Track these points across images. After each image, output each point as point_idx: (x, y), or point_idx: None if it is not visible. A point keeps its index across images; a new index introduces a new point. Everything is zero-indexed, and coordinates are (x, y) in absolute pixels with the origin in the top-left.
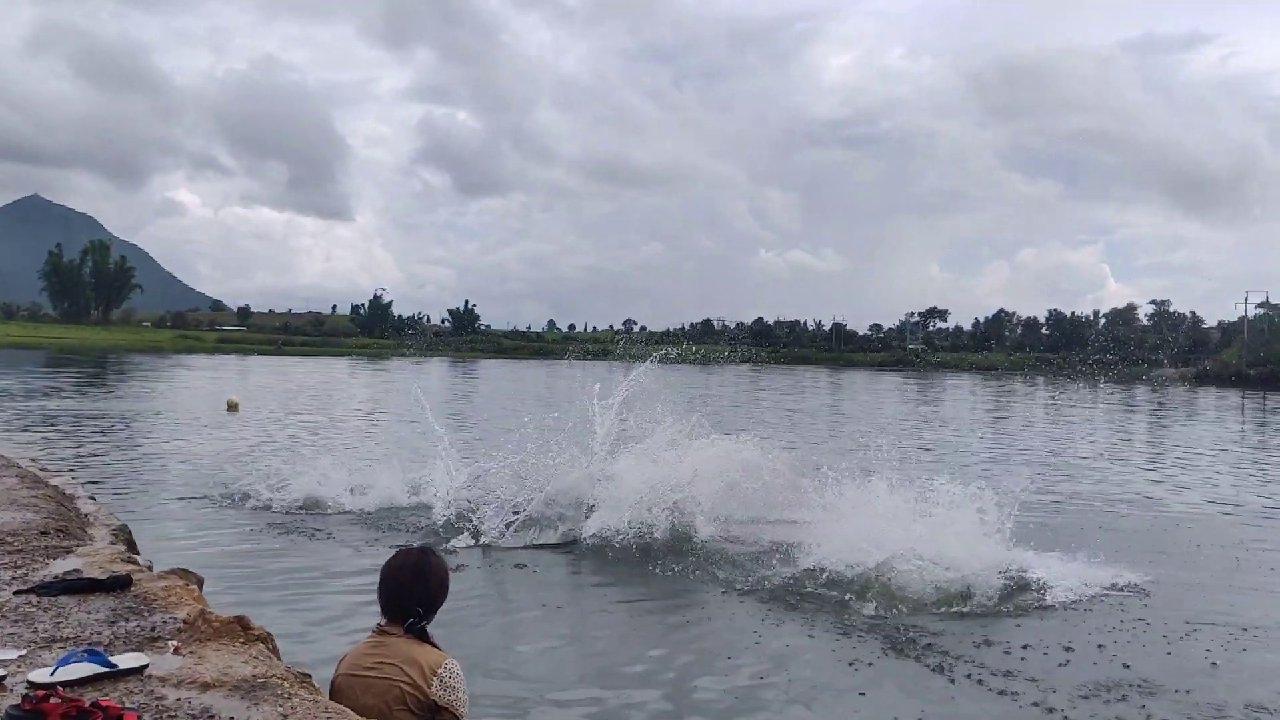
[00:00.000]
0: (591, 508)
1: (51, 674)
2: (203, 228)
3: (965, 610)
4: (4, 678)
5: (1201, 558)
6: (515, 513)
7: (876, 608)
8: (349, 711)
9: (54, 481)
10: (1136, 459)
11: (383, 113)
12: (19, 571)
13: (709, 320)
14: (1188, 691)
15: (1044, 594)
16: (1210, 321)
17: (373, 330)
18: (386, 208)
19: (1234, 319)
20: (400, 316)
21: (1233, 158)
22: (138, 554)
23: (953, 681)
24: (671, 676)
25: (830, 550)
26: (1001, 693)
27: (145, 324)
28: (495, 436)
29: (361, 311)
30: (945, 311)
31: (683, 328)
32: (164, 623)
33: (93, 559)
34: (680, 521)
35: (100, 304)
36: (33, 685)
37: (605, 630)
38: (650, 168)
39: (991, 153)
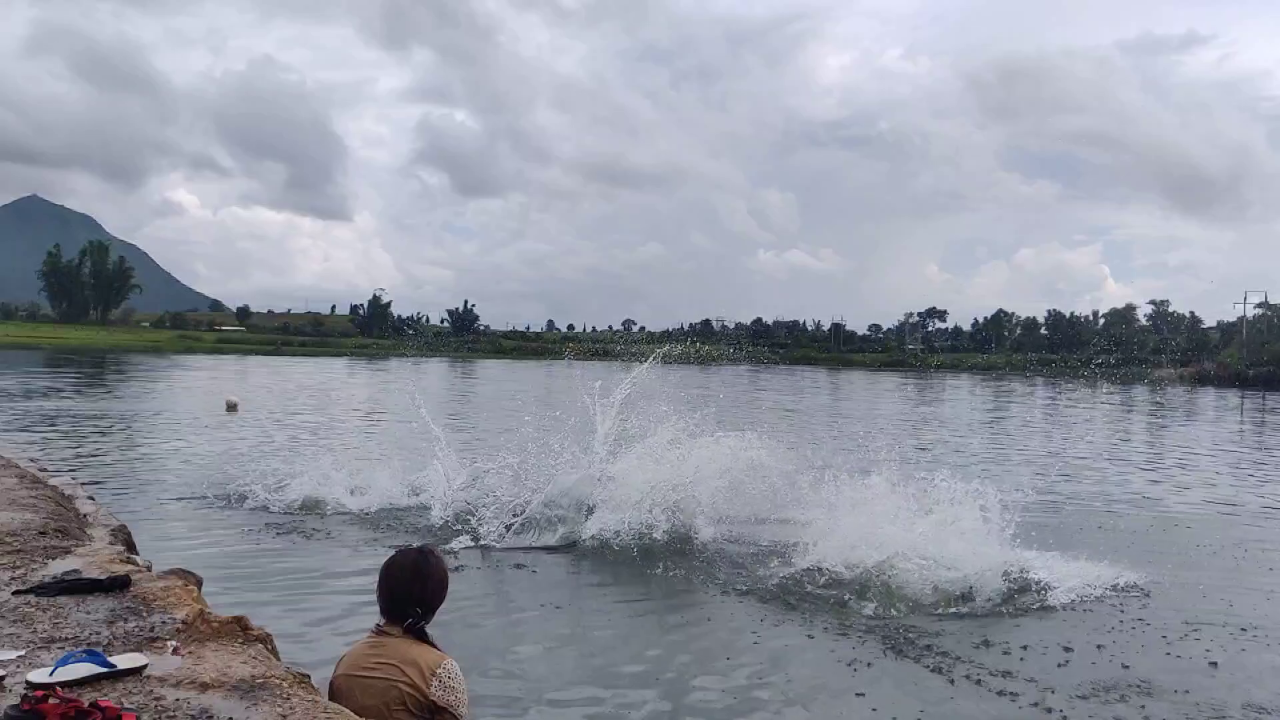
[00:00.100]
0: (592, 509)
1: (50, 674)
2: (201, 228)
3: (964, 610)
4: (3, 678)
5: (1201, 558)
6: (515, 515)
7: (875, 608)
8: (348, 712)
9: (53, 482)
10: (1136, 459)
11: (381, 113)
12: (18, 572)
13: (708, 320)
14: (1186, 692)
15: (1043, 594)
16: (1209, 322)
17: (372, 331)
18: (385, 208)
19: (1233, 319)
20: (399, 317)
21: (1230, 158)
22: (136, 554)
23: (952, 682)
24: (670, 676)
25: (830, 550)
26: (1000, 693)
27: (144, 324)
28: (495, 436)
29: (360, 312)
30: (944, 312)
31: (682, 328)
32: (163, 623)
33: (92, 559)
34: (680, 522)
35: (99, 304)
36: (31, 685)
37: (604, 630)
38: (648, 168)
39: (989, 153)
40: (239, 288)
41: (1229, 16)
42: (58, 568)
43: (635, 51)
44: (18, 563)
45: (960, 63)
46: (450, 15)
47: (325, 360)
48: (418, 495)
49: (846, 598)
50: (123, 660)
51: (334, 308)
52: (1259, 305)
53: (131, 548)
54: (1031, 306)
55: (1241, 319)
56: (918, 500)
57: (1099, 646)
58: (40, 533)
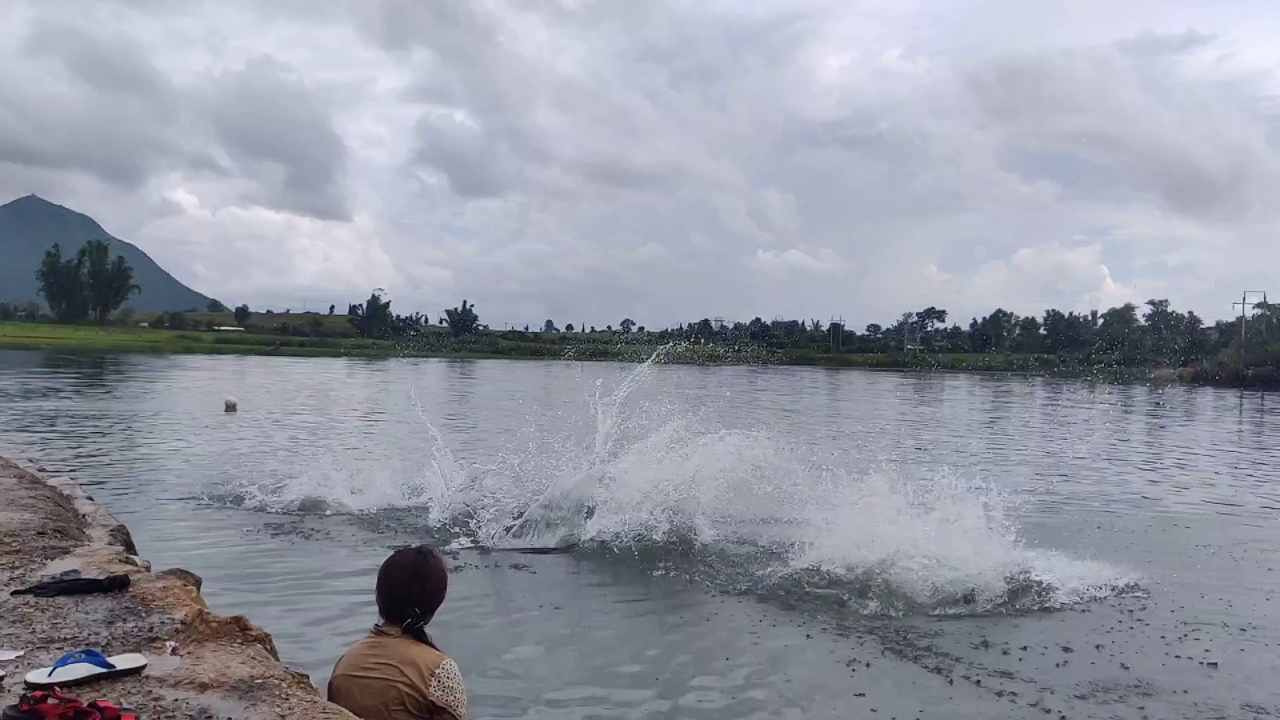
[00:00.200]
0: (592, 510)
1: (49, 675)
2: (200, 228)
3: (963, 610)
4: (2, 678)
5: (1200, 558)
6: (515, 518)
7: (875, 608)
8: (346, 712)
9: (52, 482)
10: (1135, 459)
11: (380, 113)
12: (17, 572)
13: (707, 320)
14: (1185, 692)
15: (1042, 594)
16: (1208, 322)
17: (371, 331)
18: (384, 208)
19: (1232, 319)
20: (398, 317)
21: (1230, 158)
22: (135, 554)
23: (951, 682)
24: (669, 677)
25: (829, 550)
26: (1000, 693)
27: (143, 324)
28: (494, 437)
29: (359, 312)
30: (943, 312)
31: (681, 328)
32: (162, 623)
33: (90, 559)
34: (681, 522)
35: (98, 304)
36: (30, 686)
37: (604, 630)
38: (648, 168)
39: (989, 153)
40: (238, 288)
41: (1229, 17)
42: (56, 568)
43: (635, 51)
44: (16, 563)
45: (960, 63)
46: (450, 15)
47: (324, 360)
48: (417, 496)
49: (846, 598)
50: (121, 660)
51: (333, 308)
52: (1258, 305)
53: (130, 548)
54: (1030, 307)
55: (1240, 319)
56: (918, 500)
57: (1098, 647)
58: (39, 533)
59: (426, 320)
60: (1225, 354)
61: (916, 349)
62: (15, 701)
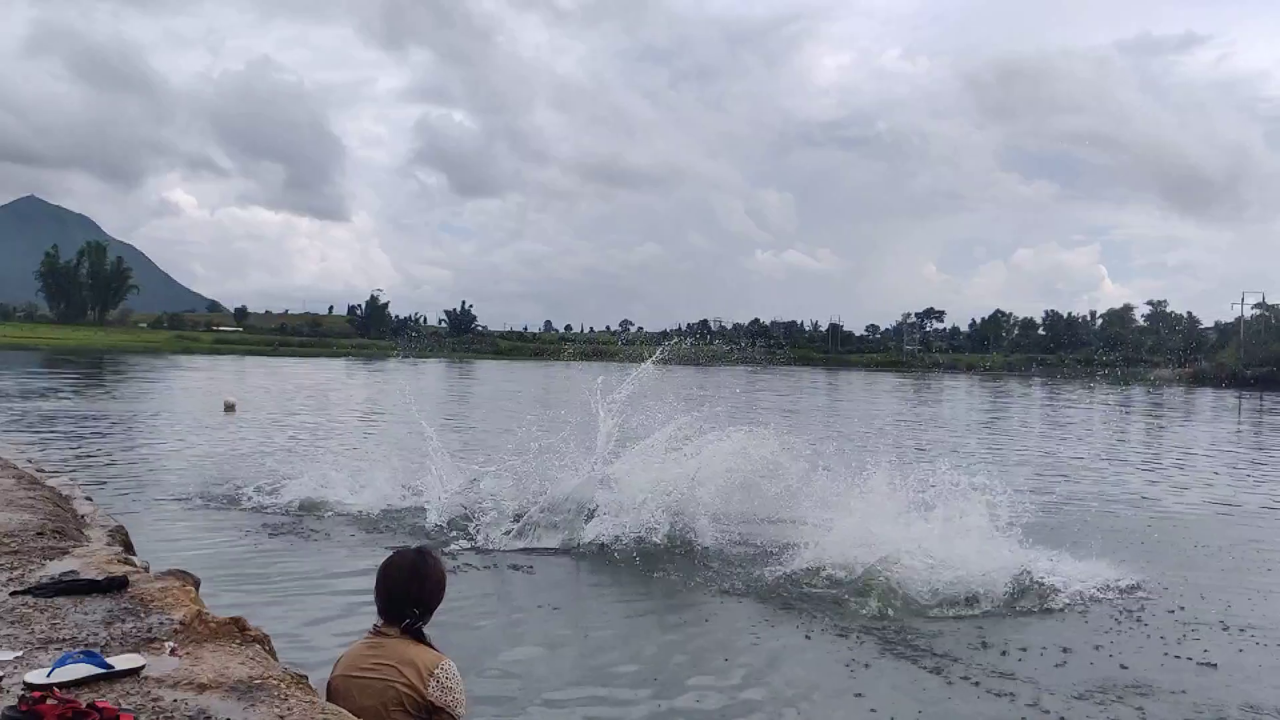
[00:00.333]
0: (593, 512)
1: (48, 675)
2: (199, 228)
3: (962, 611)
4: (1, 679)
5: (1199, 558)
6: (514, 520)
7: (874, 608)
8: (345, 713)
9: (51, 482)
10: (1134, 459)
11: (379, 113)
12: (15, 573)
13: (705, 321)
14: (1184, 692)
15: (1041, 595)
16: (1207, 322)
17: (369, 331)
18: (383, 208)
19: (1230, 320)
20: (397, 317)
21: (1228, 158)
22: (134, 555)
23: (949, 683)
24: (668, 677)
25: (828, 550)
26: (998, 694)
27: (142, 325)
28: (494, 437)
29: (358, 312)
30: (942, 312)
31: (679, 328)
32: (160, 624)
33: (89, 560)
34: (682, 523)
35: (96, 305)
36: (29, 686)
37: (603, 631)
38: (646, 168)
39: (988, 153)
40: (237, 288)
41: (1227, 17)
42: (55, 568)
43: (633, 52)
44: (15, 563)
45: (959, 63)
46: (449, 15)
47: (323, 361)
48: (416, 497)
49: (845, 598)
50: (120, 661)
51: (331, 308)
52: (1256, 306)
53: (129, 548)
54: (1029, 307)
55: (1239, 319)
56: (917, 500)
57: (1097, 647)
58: (38, 533)
59: (425, 320)
60: (1224, 354)
61: (915, 349)
62: (14, 702)
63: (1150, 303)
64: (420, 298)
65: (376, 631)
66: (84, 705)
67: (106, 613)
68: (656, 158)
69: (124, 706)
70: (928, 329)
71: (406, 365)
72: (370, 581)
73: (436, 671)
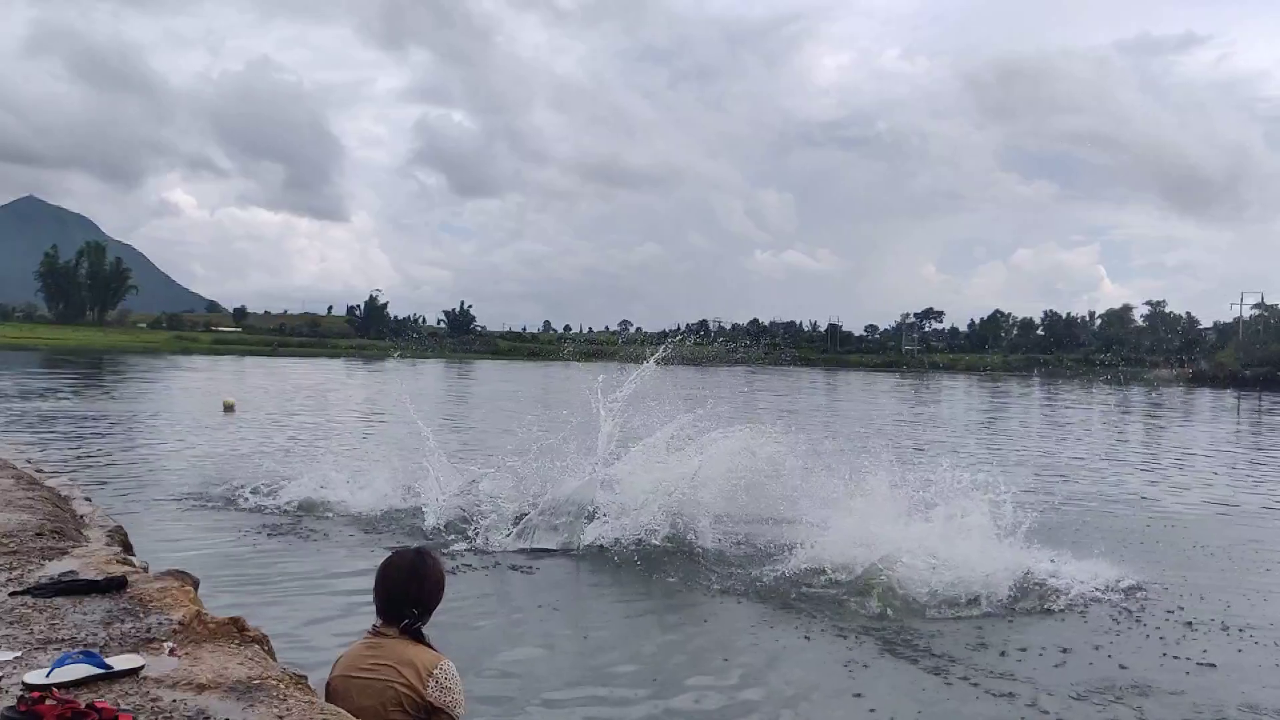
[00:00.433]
0: (593, 513)
1: (47, 675)
2: (198, 229)
3: (962, 611)
4: (0, 679)
5: (1198, 558)
6: (515, 521)
7: (874, 609)
8: (344, 713)
9: (50, 483)
10: (1133, 459)
11: (378, 114)
12: (15, 573)
13: (704, 321)
14: (1183, 692)
15: (1041, 595)
16: (1206, 322)
17: (369, 331)
18: (382, 209)
19: (1229, 320)
20: (396, 318)
21: (1227, 158)
22: (133, 555)
23: (949, 683)
24: (667, 677)
25: (828, 550)
26: (998, 694)
27: (141, 325)
28: (494, 438)
29: (357, 313)
30: (941, 312)
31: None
32: (159, 624)
33: (88, 560)
34: (682, 523)
35: (96, 305)
36: (28, 687)
37: (602, 631)
38: (645, 168)
39: (988, 153)
40: (236, 288)
41: (1227, 17)
42: (54, 569)
43: (633, 52)
44: (14, 564)
45: (959, 63)
46: (448, 16)
47: (322, 361)
48: (415, 497)
49: (845, 598)
50: (119, 661)
51: (331, 309)
52: (1255, 306)
53: (128, 549)
54: (1028, 307)
55: (1238, 319)
56: (918, 499)
57: (1096, 647)
58: (37, 534)
59: (424, 321)
60: (1223, 354)
61: (914, 349)
62: (13, 702)
63: (1149, 303)
64: (419, 298)
65: (375, 632)
66: (83, 705)
67: (105, 613)
68: (656, 158)
69: (123, 707)
70: (927, 329)
71: (405, 365)
72: (369, 582)
73: (435, 672)
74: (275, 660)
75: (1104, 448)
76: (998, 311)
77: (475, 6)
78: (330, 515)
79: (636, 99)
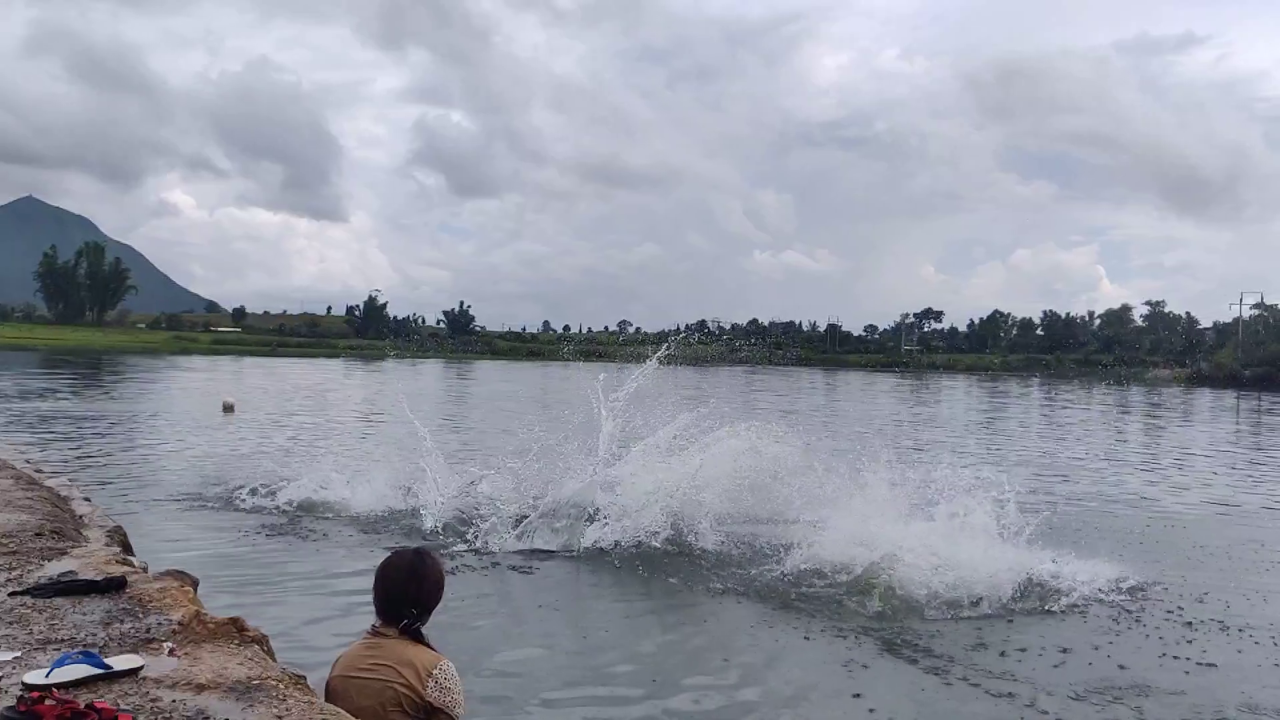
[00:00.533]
0: (594, 515)
1: (47, 676)
2: (197, 229)
3: (961, 611)
4: (0, 679)
5: (1198, 558)
6: (515, 523)
7: (873, 609)
8: (343, 713)
9: (49, 483)
10: (1132, 460)
11: (377, 114)
12: (14, 573)
13: (703, 321)
14: (1183, 692)
15: (1040, 595)
16: (1205, 322)
17: (367, 332)
18: (381, 209)
19: (1229, 320)
20: (395, 318)
21: (1227, 159)
22: (133, 555)
23: (948, 683)
24: (666, 677)
25: (829, 550)
26: (997, 694)
27: (140, 325)
28: (494, 438)
29: (356, 313)
30: (940, 312)
31: (677, 329)
32: (159, 624)
33: (88, 560)
34: (682, 524)
35: (95, 305)
36: (28, 687)
37: (601, 631)
38: (644, 169)
39: (987, 153)
40: (235, 289)
41: (1226, 17)
42: (54, 569)
43: (632, 52)
44: (14, 564)
45: (958, 63)
46: (447, 16)
47: (321, 361)
48: (415, 498)
49: (844, 598)
50: (119, 661)
51: (330, 309)
52: (1255, 306)
53: (128, 549)
54: (1027, 307)
55: (1237, 320)
56: (918, 499)
57: (1095, 647)
58: (36, 534)
59: (424, 321)
60: (1222, 355)
61: (913, 349)
62: (12, 703)
63: (1148, 303)
64: (419, 298)
65: (375, 632)
66: (82, 706)
67: (105, 613)
68: (655, 158)
69: (122, 707)
70: (926, 329)
71: (404, 365)
72: (368, 582)
73: (435, 672)
74: (274, 660)
75: (1104, 448)
76: (997, 312)
77: (474, 6)
78: (330, 515)
79: (635, 99)
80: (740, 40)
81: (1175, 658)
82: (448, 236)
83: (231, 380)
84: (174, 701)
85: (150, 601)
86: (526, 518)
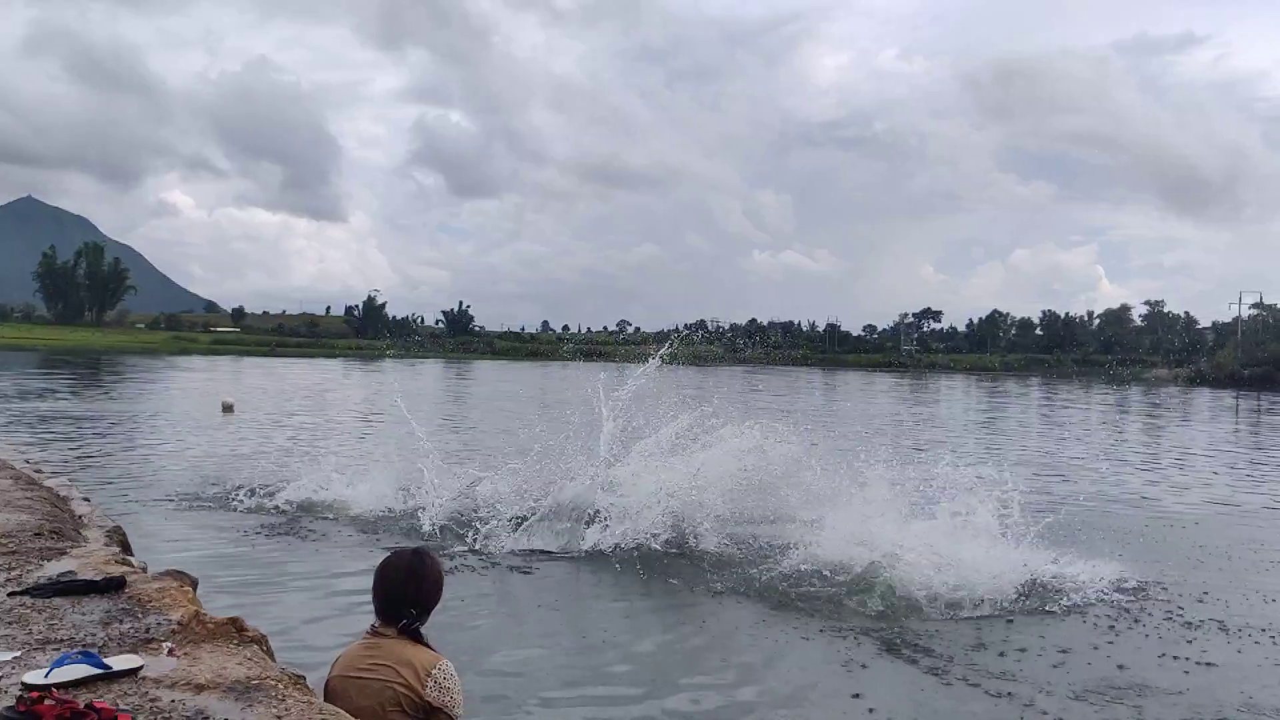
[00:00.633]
0: (594, 516)
1: (46, 676)
2: (196, 229)
3: (961, 611)
4: None
5: (1198, 558)
6: (516, 524)
7: (873, 609)
8: (343, 713)
9: (48, 483)
10: (1132, 459)
11: (377, 114)
12: (13, 573)
13: (703, 321)
14: (1183, 692)
15: (1040, 595)
16: (1204, 322)
17: (367, 332)
18: (380, 209)
19: (1228, 320)
20: (394, 318)
21: (1226, 158)
22: (132, 555)
23: (947, 683)
24: (665, 677)
25: (828, 550)
26: (996, 694)
27: (139, 326)
28: (493, 438)
29: (356, 313)
30: (939, 312)
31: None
32: (158, 624)
33: (87, 561)
34: (683, 524)
35: (94, 306)
36: (27, 687)
37: (601, 631)
38: (643, 169)
39: (986, 154)
40: (234, 289)
41: (1226, 17)
42: (53, 569)
43: (631, 52)
44: (13, 564)
45: (957, 63)
46: (446, 16)
47: (320, 361)
48: (414, 498)
49: (844, 598)
50: (118, 661)
51: (329, 309)
52: (1254, 306)
53: (127, 549)
54: (1027, 307)
55: (1237, 319)
56: (915, 501)
57: (1095, 648)
58: (35, 534)
59: (423, 321)
60: (1221, 354)
61: (913, 350)
62: (12, 703)
63: (1148, 303)
64: (418, 298)
65: (374, 632)
66: (82, 706)
67: (104, 613)
68: (654, 158)
69: (122, 707)
70: (925, 329)
71: (403, 365)
72: (368, 582)
73: (434, 672)
74: (274, 660)
75: (1103, 448)
76: (996, 311)
77: (473, 7)
78: (329, 516)
79: (634, 99)
80: (739, 40)
81: (1175, 658)
82: (447, 236)
83: (231, 380)
84: (173, 701)
85: (149, 601)
86: (526, 519)
